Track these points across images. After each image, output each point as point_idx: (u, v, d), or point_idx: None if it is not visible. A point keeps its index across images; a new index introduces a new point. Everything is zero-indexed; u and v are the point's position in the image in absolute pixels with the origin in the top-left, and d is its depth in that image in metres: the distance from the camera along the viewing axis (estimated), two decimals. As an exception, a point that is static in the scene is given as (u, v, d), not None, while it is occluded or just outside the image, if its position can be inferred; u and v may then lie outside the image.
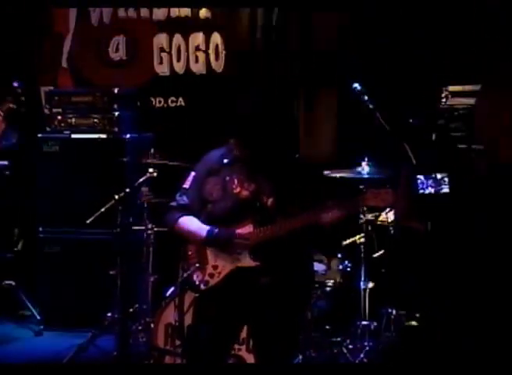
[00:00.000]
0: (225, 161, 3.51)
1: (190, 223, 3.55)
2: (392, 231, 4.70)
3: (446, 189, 2.53)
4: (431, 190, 2.56)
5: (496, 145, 2.31)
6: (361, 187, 3.56)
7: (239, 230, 3.50)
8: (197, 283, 3.51)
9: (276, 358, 3.56)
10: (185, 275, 3.49)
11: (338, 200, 3.48)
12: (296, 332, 3.97)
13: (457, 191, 2.56)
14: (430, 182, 2.56)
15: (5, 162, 5.44)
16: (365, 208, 3.57)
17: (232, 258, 3.48)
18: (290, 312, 3.65)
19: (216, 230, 3.48)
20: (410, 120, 5.11)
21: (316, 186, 3.53)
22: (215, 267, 3.50)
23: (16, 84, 4.03)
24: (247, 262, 3.49)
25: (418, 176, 2.58)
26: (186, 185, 3.64)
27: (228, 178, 3.50)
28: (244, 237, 3.47)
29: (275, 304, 3.52)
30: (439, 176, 2.57)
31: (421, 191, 2.55)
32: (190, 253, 3.53)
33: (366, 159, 4.75)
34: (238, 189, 3.51)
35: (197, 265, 3.54)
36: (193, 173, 3.61)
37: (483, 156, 2.65)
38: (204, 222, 3.56)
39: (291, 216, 3.44)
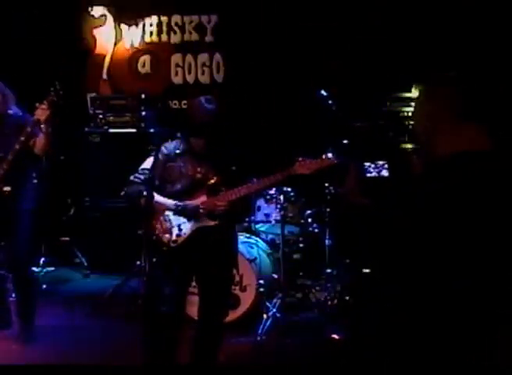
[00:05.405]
0: (178, 151, 3.82)
1: (155, 196, 3.74)
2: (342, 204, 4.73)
3: (385, 173, 2.59)
4: (374, 173, 2.62)
5: (434, 145, 2.22)
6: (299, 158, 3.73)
7: (195, 201, 3.79)
8: (167, 242, 3.77)
9: (217, 302, 3.92)
10: (154, 237, 3.74)
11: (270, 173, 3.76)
12: (230, 282, 4.16)
13: (395, 175, 2.58)
14: (373, 167, 2.61)
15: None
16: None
17: (194, 221, 3.78)
18: (226, 267, 3.96)
19: (182, 204, 3.76)
20: (358, 124, 5.29)
21: (244, 168, 3.89)
22: (180, 229, 3.78)
23: (57, 83, 4.31)
24: (206, 222, 3.80)
25: (365, 163, 2.59)
26: (146, 166, 3.85)
27: (183, 164, 3.81)
28: (203, 206, 3.78)
29: (217, 259, 3.85)
30: (380, 163, 2.60)
31: (367, 174, 2.60)
32: (154, 222, 3.77)
33: (330, 149, 4.58)
34: (191, 172, 3.82)
35: (162, 228, 3.80)
36: (151, 159, 3.80)
37: (419, 154, 2.60)
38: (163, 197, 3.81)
39: (230, 188, 3.78)
